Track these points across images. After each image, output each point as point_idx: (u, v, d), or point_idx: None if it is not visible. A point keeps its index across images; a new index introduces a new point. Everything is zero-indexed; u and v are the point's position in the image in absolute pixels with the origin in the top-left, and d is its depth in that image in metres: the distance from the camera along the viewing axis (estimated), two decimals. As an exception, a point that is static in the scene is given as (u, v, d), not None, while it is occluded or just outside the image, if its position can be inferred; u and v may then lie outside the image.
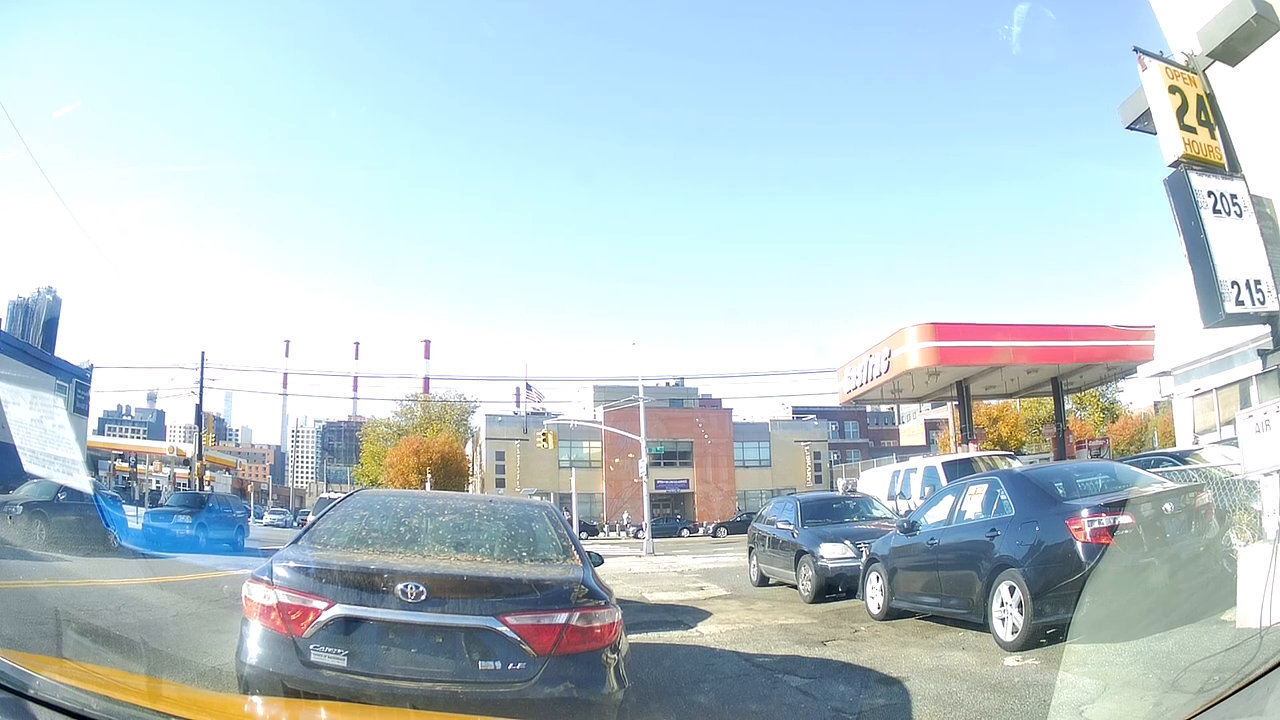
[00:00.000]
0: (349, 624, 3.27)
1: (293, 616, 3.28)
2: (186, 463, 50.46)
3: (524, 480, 49.12)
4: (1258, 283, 6.90)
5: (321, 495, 67.40)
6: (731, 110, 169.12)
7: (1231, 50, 7.53)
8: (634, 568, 17.91)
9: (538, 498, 21.67)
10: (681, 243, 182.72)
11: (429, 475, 43.36)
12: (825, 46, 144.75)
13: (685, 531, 42.12)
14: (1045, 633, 6.09)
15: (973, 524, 7.26)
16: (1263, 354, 7.46)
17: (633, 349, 56.37)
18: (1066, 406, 27.22)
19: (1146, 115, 7.76)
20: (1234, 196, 7.13)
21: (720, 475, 53.66)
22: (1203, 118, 7.38)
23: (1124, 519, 5.98)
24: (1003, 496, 7.03)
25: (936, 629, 7.53)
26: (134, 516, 20.75)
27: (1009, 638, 6.23)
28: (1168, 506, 6.33)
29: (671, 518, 47.77)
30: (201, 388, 39.62)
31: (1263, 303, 6.88)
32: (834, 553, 10.17)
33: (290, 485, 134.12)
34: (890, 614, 8.20)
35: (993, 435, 40.84)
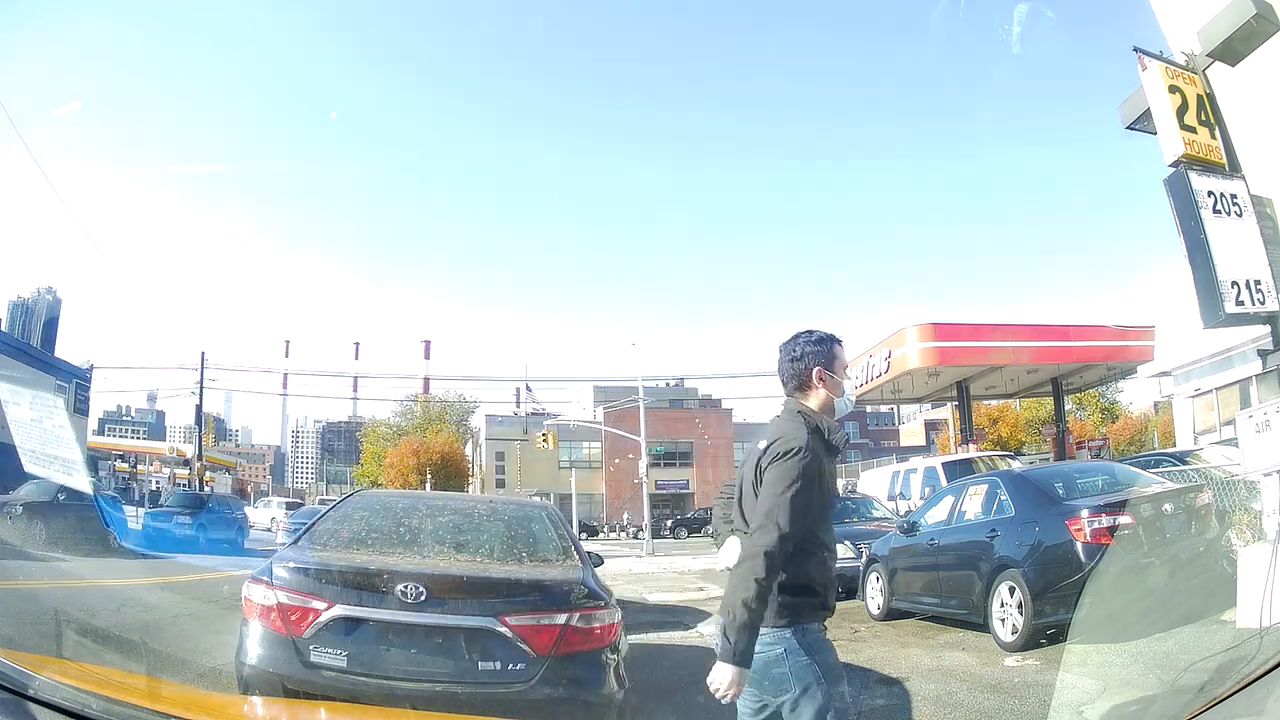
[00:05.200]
0: (349, 624, 3.28)
1: (292, 617, 3.28)
2: (186, 463, 50.44)
3: (524, 481, 49.10)
4: (1258, 283, 6.89)
5: (322, 498, 67.34)
6: (731, 112, 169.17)
7: (1231, 50, 7.53)
8: (634, 568, 17.89)
9: (538, 498, 21.67)
10: (682, 243, 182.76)
11: (429, 476, 43.35)
12: (826, 49, 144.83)
13: (684, 532, 42.04)
14: (1045, 633, 6.09)
15: (973, 524, 7.26)
16: (1263, 354, 7.46)
17: (633, 349, 56.46)
18: (1066, 407, 27.28)
19: (1146, 115, 7.76)
20: (1234, 196, 7.13)
21: (720, 476, 53.49)
22: (1203, 118, 7.38)
23: (1124, 519, 5.98)
24: (1003, 497, 7.03)
25: (936, 629, 7.52)
26: (134, 517, 20.76)
27: (1009, 638, 6.23)
28: (1168, 507, 6.33)
29: (672, 518, 47.71)
30: (201, 388, 39.58)
31: (1263, 303, 6.88)
32: (834, 553, 10.15)
33: (290, 486, 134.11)
34: (890, 614, 8.20)
35: (993, 436, 40.82)
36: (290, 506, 38.50)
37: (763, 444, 2.54)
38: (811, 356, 2.62)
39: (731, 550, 2.55)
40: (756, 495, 2.46)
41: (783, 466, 2.39)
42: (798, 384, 2.63)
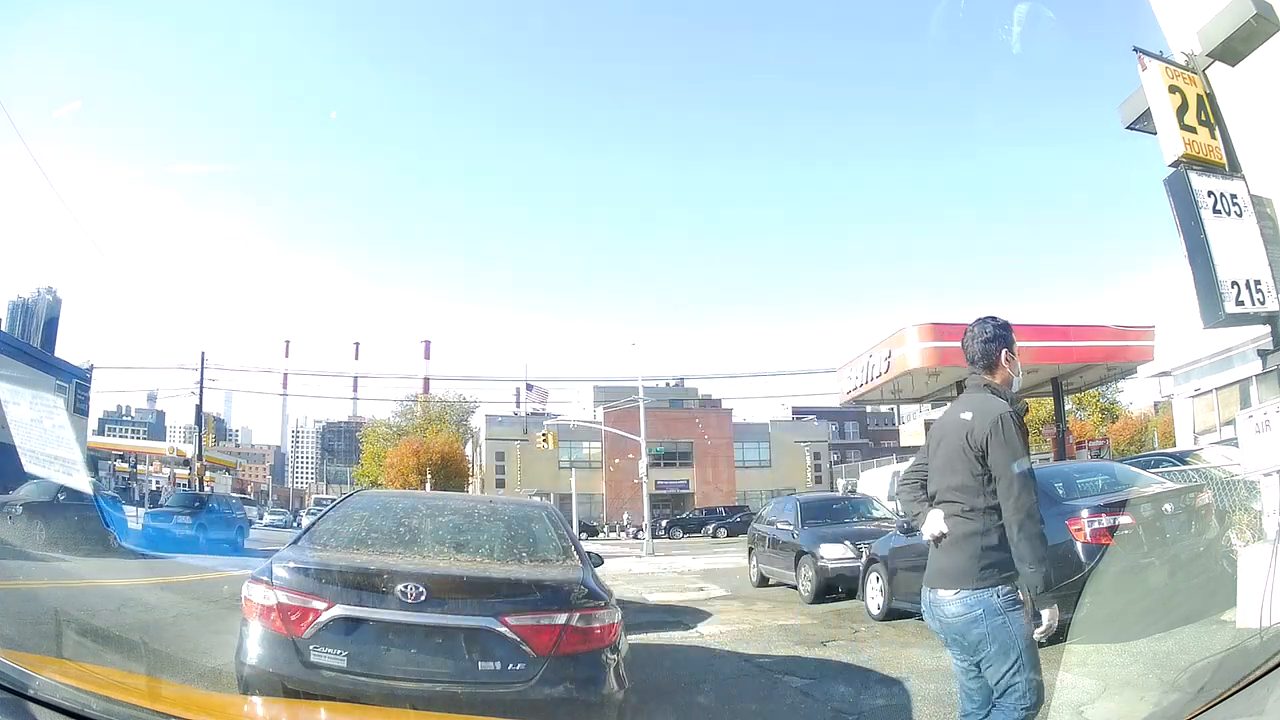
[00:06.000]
0: (349, 624, 3.27)
1: (292, 617, 3.28)
2: (186, 463, 50.46)
3: (524, 481, 49.08)
4: (1258, 283, 6.89)
5: (318, 497, 67.05)
6: (731, 112, 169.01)
7: (1231, 50, 7.53)
8: (634, 568, 17.90)
9: (538, 498, 21.67)
10: (682, 243, 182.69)
11: (429, 476, 43.35)
12: (826, 49, 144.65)
13: (679, 532, 41.96)
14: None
15: (973, 524, 7.25)
16: (1263, 354, 7.46)
17: (633, 349, 56.51)
18: (1066, 407, 27.28)
19: (1146, 115, 7.76)
20: (1234, 196, 7.13)
21: (720, 476, 53.61)
22: (1203, 118, 7.38)
23: (1124, 519, 5.98)
24: (1003, 497, 7.02)
25: (936, 629, 7.52)
26: (134, 517, 20.76)
27: (1009, 638, 6.22)
28: (1168, 507, 6.33)
29: (667, 518, 47.64)
30: (201, 388, 39.59)
31: (1263, 303, 6.88)
32: (834, 553, 10.16)
33: (290, 486, 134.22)
34: (890, 614, 8.19)
35: (993, 435, 40.72)
36: (245, 503, 39.00)
37: (966, 415, 2.88)
38: (1000, 340, 3.00)
39: (936, 522, 2.92)
40: (973, 465, 2.81)
41: (1006, 433, 2.75)
42: (987, 363, 3.01)
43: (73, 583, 9.60)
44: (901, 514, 3.47)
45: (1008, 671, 2.69)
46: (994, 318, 3.04)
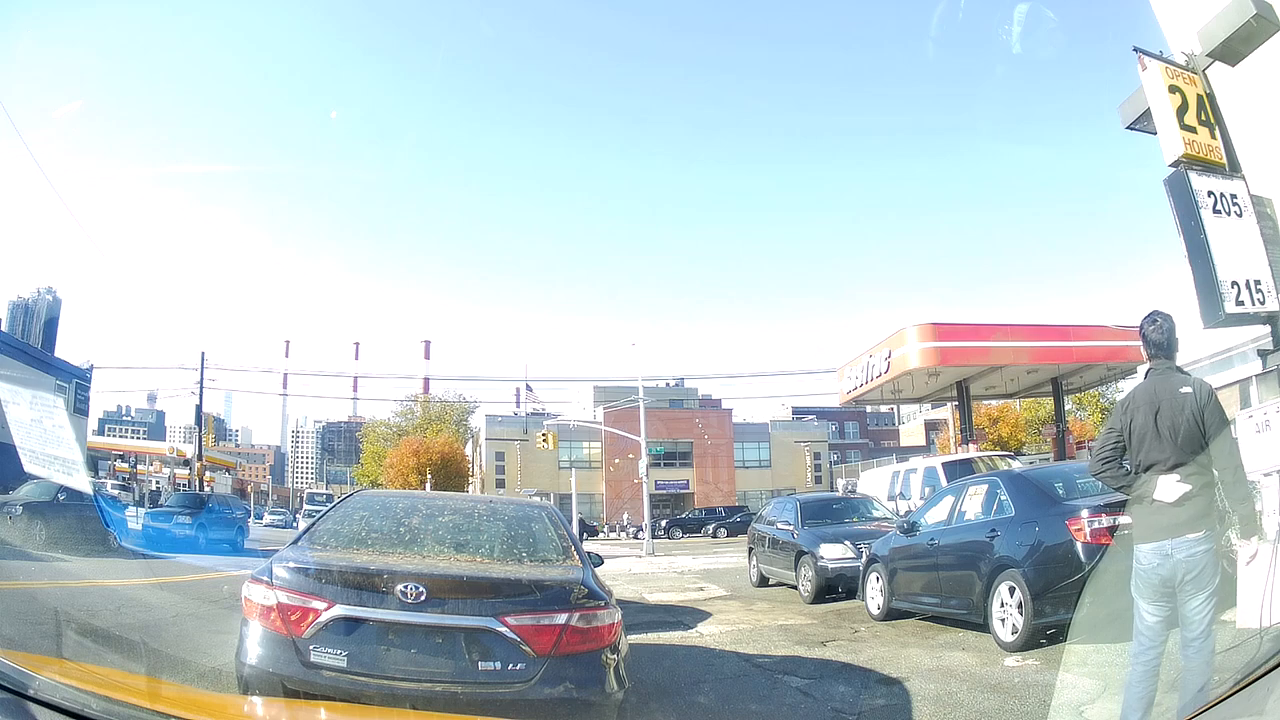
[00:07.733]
0: (349, 624, 3.27)
1: (292, 617, 3.28)
2: (186, 463, 50.43)
3: (524, 481, 49.08)
4: (1258, 283, 6.90)
5: (310, 492, 66.73)
6: (732, 112, 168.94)
7: (1231, 50, 7.53)
8: (634, 568, 17.89)
9: (538, 498, 21.66)
10: (682, 243, 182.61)
11: (429, 476, 43.35)
12: (825, 50, 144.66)
13: (679, 532, 41.90)
14: (1045, 633, 6.09)
15: (973, 524, 7.25)
16: (1263, 354, 7.47)
17: (632, 349, 56.52)
18: (1066, 407, 27.28)
19: (1146, 115, 7.77)
20: (1234, 196, 7.13)
21: (720, 476, 53.60)
22: (1203, 118, 7.38)
23: (1124, 519, 5.96)
24: (1003, 497, 7.02)
25: (936, 629, 7.52)
26: (134, 517, 20.77)
27: (1009, 638, 6.22)
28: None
29: (671, 518, 47.62)
30: (201, 388, 39.58)
31: (1263, 303, 6.88)
32: (834, 553, 10.16)
33: (290, 486, 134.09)
34: (890, 614, 8.19)
35: (993, 436, 40.80)
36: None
37: (1187, 390, 3.50)
38: (1177, 328, 3.69)
39: (1173, 485, 3.40)
40: (1200, 430, 3.42)
41: (1219, 404, 3.43)
42: (1172, 348, 3.69)
43: (73, 583, 9.60)
44: (1112, 487, 4.09)
45: (1213, 596, 3.27)
46: (1163, 311, 3.70)
